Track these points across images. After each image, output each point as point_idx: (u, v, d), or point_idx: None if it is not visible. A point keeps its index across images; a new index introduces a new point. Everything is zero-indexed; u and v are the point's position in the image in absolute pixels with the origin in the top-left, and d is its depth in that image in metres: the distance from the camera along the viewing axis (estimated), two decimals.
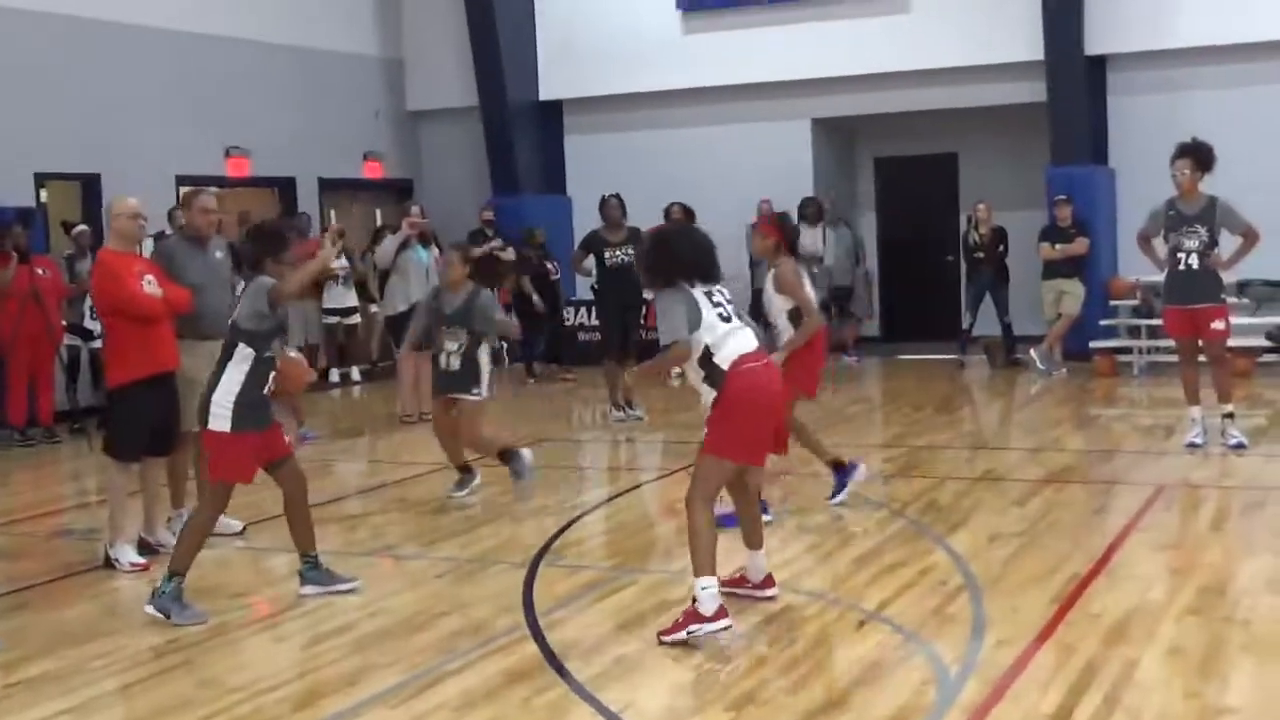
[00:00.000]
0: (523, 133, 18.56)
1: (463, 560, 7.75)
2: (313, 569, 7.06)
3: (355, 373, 16.99)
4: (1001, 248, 16.00)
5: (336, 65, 18.11)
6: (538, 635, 6.20)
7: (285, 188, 17.54)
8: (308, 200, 17.58)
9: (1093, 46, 15.82)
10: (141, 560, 7.76)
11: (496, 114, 18.35)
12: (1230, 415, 10.16)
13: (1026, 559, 7.22)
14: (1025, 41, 15.97)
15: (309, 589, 7.03)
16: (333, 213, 18.13)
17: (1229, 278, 10.69)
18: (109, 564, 7.81)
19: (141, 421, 7.76)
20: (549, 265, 16.75)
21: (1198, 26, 15.44)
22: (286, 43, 17.18)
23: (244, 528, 8.60)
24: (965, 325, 16.40)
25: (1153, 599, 6.44)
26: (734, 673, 5.62)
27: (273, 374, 6.78)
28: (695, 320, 6.00)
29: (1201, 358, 10.26)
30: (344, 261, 16.54)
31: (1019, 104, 16.51)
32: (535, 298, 16.25)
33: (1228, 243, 10.08)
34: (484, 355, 9.12)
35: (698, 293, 6.08)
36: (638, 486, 10.06)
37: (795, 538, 8.00)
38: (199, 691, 5.67)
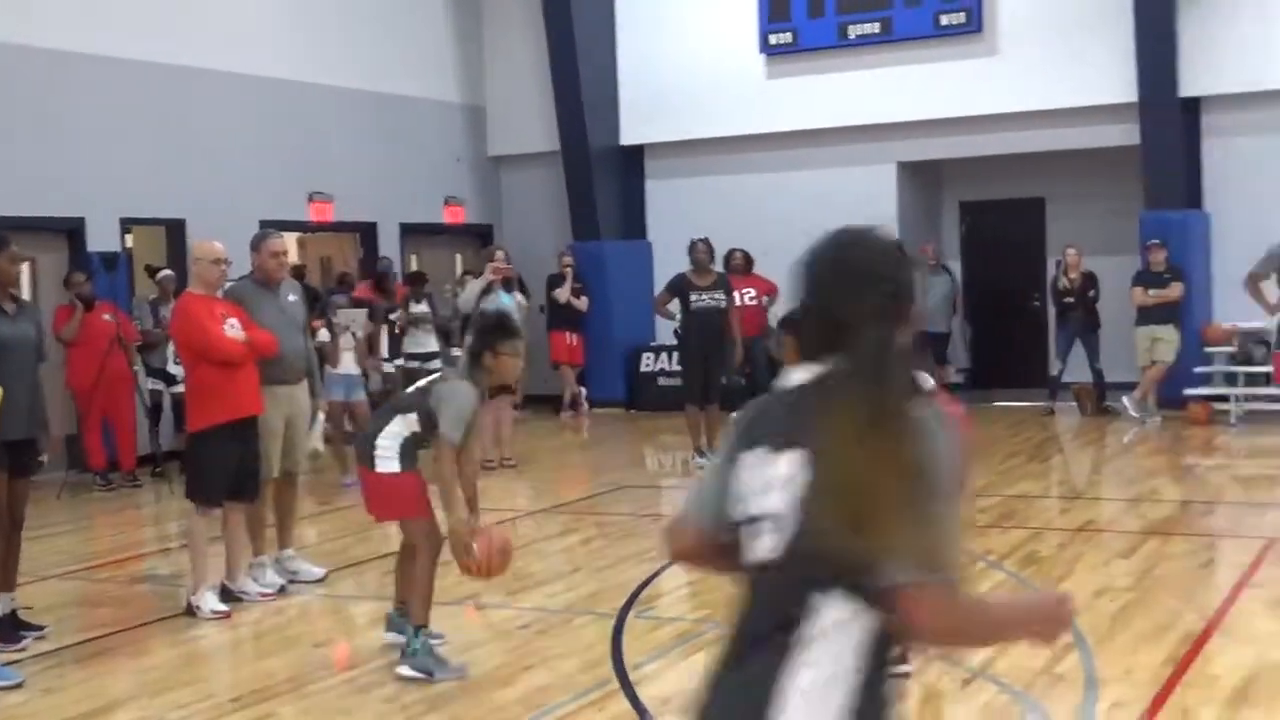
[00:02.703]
0: (603, 178, 18.47)
1: (549, 611, 7.56)
2: (401, 617, 6.86)
3: None
4: (1092, 293, 15.65)
5: (418, 111, 18.14)
6: (629, 690, 5.98)
7: (367, 233, 17.55)
8: (389, 245, 17.57)
9: (1187, 88, 15.47)
10: (224, 608, 7.64)
11: (578, 159, 18.27)
12: None
13: (1136, 615, 6.92)
14: (1117, 84, 15.64)
15: (390, 636, 6.84)
16: (414, 257, 18.19)
17: None
18: (191, 611, 7.69)
19: (223, 467, 7.67)
20: None
21: None
22: (369, 89, 17.22)
23: (326, 574, 8.48)
24: (1055, 372, 16.05)
25: (1274, 660, 6.12)
26: None
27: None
28: None
29: None
30: (425, 307, 16.49)
31: (1109, 147, 16.18)
32: None
33: None
34: None
35: None
36: None
37: None
38: None
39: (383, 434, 6.49)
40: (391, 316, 14.67)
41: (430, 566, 6.49)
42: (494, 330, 6.59)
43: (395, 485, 6.47)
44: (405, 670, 6.34)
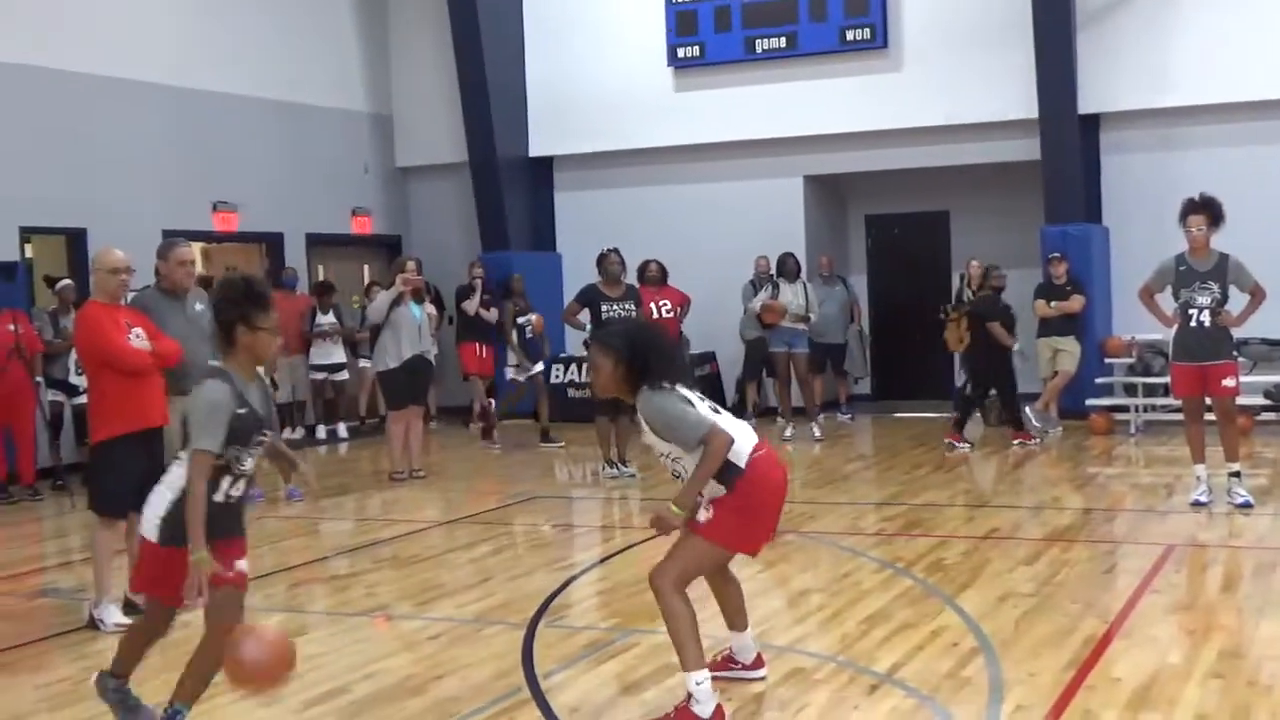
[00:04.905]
0: (512, 189, 18.45)
1: (459, 620, 7.53)
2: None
3: (342, 429, 16.81)
4: None
5: (325, 121, 18.02)
6: (540, 699, 5.98)
7: (273, 243, 17.39)
8: (295, 256, 17.42)
9: (1086, 105, 15.79)
10: (127, 620, 7.51)
11: (486, 170, 18.24)
12: (1237, 474, 10.00)
13: (1039, 620, 7.03)
14: (1018, 100, 15.94)
15: None
16: (321, 268, 18.06)
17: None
18: (93, 625, 7.57)
19: (127, 478, 7.52)
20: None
21: (1191, 85, 15.43)
22: (275, 98, 17.09)
23: None
24: (960, 383, 16.25)
25: (1173, 663, 6.25)
26: None
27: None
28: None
29: (1208, 416, 10.11)
30: (332, 318, 16.38)
31: (1011, 162, 16.45)
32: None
33: (1232, 300, 9.96)
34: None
35: (683, 390, 5.50)
36: (633, 545, 9.84)
37: (801, 597, 7.80)
38: None
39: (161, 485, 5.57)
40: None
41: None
42: (247, 299, 5.33)
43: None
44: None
